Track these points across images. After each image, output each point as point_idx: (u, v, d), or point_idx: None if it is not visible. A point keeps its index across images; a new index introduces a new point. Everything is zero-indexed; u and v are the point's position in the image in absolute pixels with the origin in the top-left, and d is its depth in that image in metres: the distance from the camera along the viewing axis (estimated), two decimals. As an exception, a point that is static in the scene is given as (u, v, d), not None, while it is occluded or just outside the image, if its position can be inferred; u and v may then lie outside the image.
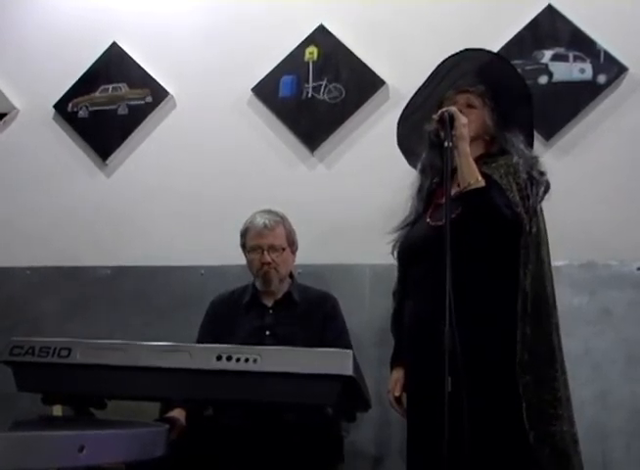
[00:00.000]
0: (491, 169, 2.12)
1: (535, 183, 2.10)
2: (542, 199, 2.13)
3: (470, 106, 2.21)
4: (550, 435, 1.98)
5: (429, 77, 2.30)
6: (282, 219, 2.70)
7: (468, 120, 2.07)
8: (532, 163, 2.15)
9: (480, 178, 2.03)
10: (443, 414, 1.71)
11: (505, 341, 2.01)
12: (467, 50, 2.28)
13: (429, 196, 2.27)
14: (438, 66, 2.29)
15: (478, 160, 2.14)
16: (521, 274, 2.04)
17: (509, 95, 2.25)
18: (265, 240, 2.64)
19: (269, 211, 2.72)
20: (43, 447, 1.24)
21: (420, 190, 2.29)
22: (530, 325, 2.02)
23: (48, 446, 1.26)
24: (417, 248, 2.19)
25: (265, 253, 2.63)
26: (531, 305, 2.03)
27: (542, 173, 2.14)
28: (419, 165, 2.31)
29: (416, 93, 2.33)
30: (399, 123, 2.38)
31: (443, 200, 2.00)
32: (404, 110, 2.37)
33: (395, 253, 2.32)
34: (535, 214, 2.10)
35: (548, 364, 2.04)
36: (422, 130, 2.23)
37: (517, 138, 2.21)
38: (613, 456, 2.68)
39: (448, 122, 2.00)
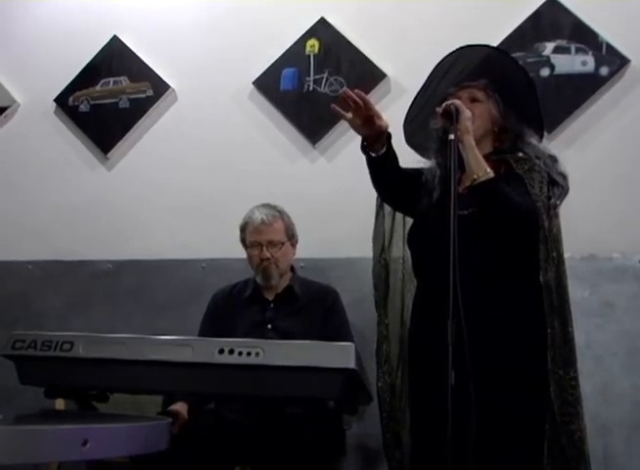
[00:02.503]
0: (515, 163, 2.11)
1: (557, 186, 2.08)
2: (561, 202, 2.11)
3: (474, 100, 2.15)
4: (570, 432, 1.99)
5: (428, 78, 2.25)
6: (280, 213, 2.69)
7: (474, 115, 2.03)
8: (553, 164, 2.12)
9: (488, 170, 2.00)
10: (447, 409, 1.70)
11: (518, 336, 2.00)
12: (462, 47, 2.23)
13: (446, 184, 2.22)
14: (436, 66, 2.24)
15: (492, 154, 2.12)
16: (542, 270, 2.02)
17: (512, 86, 2.20)
18: (264, 236, 2.64)
19: (267, 206, 2.71)
20: (47, 441, 1.25)
21: (440, 180, 2.21)
22: (557, 320, 2.01)
23: (51, 439, 1.26)
24: (436, 235, 2.11)
25: (264, 248, 2.63)
26: (558, 300, 2.02)
27: (564, 177, 2.11)
28: (433, 161, 2.26)
29: (417, 95, 2.29)
30: (405, 125, 2.33)
31: (462, 189, 2.00)
32: (408, 112, 2.32)
33: (410, 240, 2.26)
34: (556, 215, 2.08)
35: (570, 360, 2.03)
36: (428, 129, 2.19)
37: (530, 135, 2.18)
38: (614, 449, 2.68)
39: (454, 115, 1.97)
